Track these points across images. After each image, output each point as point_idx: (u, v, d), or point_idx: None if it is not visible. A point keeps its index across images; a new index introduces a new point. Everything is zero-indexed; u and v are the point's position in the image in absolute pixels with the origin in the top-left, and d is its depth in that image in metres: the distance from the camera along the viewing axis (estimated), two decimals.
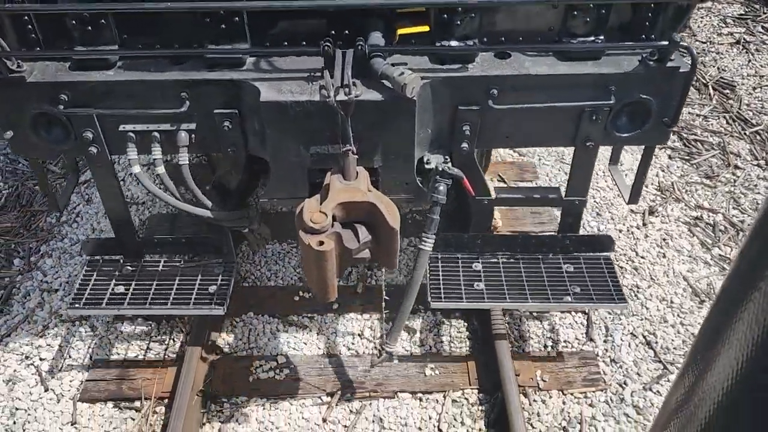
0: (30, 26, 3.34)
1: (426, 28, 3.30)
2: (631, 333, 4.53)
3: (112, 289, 3.94)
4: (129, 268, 4.06)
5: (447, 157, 3.58)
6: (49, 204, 4.00)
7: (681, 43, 3.19)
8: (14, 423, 4.02)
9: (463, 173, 3.65)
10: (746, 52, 8.08)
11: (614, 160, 4.41)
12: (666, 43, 3.25)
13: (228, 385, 4.20)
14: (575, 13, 3.35)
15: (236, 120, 3.45)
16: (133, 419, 4.05)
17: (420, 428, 4.01)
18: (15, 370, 4.34)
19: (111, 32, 3.36)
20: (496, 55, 3.49)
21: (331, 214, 3.07)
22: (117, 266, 4.08)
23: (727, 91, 7.34)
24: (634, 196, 4.01)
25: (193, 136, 3.49)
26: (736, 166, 6.26)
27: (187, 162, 3.51)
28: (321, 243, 2.96)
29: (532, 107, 3.41)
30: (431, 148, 3.63)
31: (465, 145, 3.54)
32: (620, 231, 5.43)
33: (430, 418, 4.04)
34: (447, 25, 3.34)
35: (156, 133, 3.45)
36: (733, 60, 7.93)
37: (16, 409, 4.10)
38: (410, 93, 3.13)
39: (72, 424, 4.02)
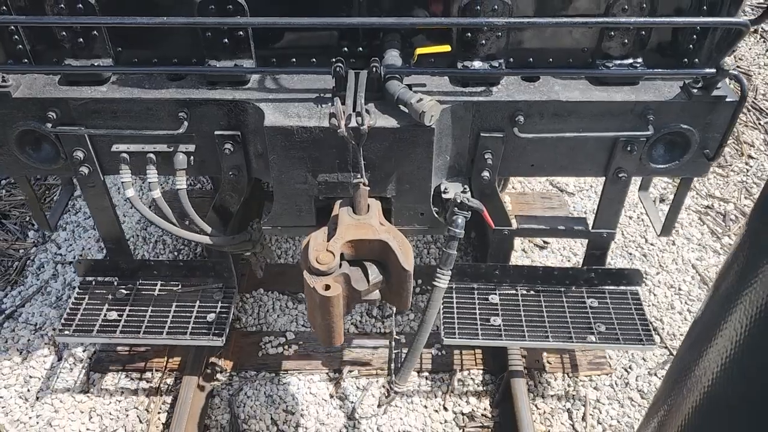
0: (17, 37, 3.07)
1: (447, 48, 3.00)
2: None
3: (105, 315, 3.70)
4: (123, 291, 3.81)
5: (466, 186, 3.30)
6: (39, 223, 3.75)
7: (730, 71, 2.88)
8: (28, 391, 4.16)
9: (483, 203, 3.37)
10: (764, 42, 7.82)
11: (644, 186, 4.11)
12: (713, 70, 2.94)
13: (237, 360, 4.30)
14: (612, 33, 3.04)
15: (238, 142, 3.17)
16: (144, 389, 4.17)
17: (426, 406, 4.07)
18: (29, 340, 4.48)
19: (104, 45, 3.09)
20: (524, 78, 3.19)
21: (339, 253, 2.80)
22: (111, 289, 3.83)
23: None
24: (667, 229, 3.71)
25: (191, 158, 3.22)
26: (750, 156, 6.10)
27: (185, 186, 3.25)
28: (327, 287, 2.69)
29: (561, 137, 3.12)
30: (449, 175, 3.35)
31: (486, 173, 3.25)
32: (630, 217, 5.37)
33: (435, 396, 4.12)
34: (470, 44, 3.04)
35: (151, 155, 3.18)
36: (750, 49, 7.69)
37: (30, 377, 4.22)
38: (429, 121, 2.84)
39: (84, 393, 4.14)
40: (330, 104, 2.99)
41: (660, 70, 3.09)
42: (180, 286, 3.84)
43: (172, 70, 3.11)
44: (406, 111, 2.89)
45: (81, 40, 3.05)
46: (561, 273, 3.84)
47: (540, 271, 3.82)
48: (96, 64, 3.10)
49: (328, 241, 2.90)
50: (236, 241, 3.60)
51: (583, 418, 4.00)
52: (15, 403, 4.10)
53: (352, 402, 4.07)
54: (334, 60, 3.06)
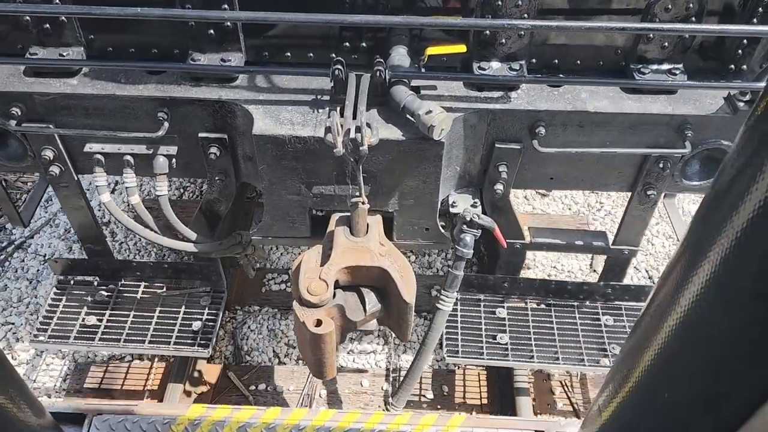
0: None
1: (462, 49, 2.63)
2: (635, 267, 4.44)
3: (83, 320, 3.45)
4: (103, 293, 3.55)
5: (476, 200, 2.98)
6: (11, 220, 3.46)
7: None
8: (36, 318, 4.03)
9: (494, 217, 3.06)
10: None
11: (671, 194, 3.77)
12: (763, 84, 2.57)
13: (241, 295, 4.36)
14: (650, 35, 2.67)
15: (225, 146, 2.85)
16: None
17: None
18: (38, 270, 4.54)
19: (74, 32, 2.73)
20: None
21: (332, 281, 2.52)
22: (90, 290, 3.56)
23: None
24: None
25: (173, 161, 2.90)
26: None
27: (167, 192, 2.93)
28: (319, 323, 2.42)
29: (587, 152, 2.78)
30: (458, 186, 3.02)
31: (500, 187, 2.93)
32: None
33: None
34: (488, 43, 2.68)
35: (129, 157, 2.86)
36: None
37: (39, 305, 4.24)
38: (438, 136, 2.51)
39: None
40: (327, 110, 2.66)
41: (705, 83, 2.72)
42: (165, 289, 3.57)
43: (149, 67, 2.76)
44: (413, 120, 2.55)
45: (47, 26, 2.69)
46: (575, 287, 3.55)
47: (552, 284, 3.53)
48: (65, 54, 2.75)
49: (322, 264, 2.61)
50: (224, 247, 3.31)
51: None
52: (25, 330, 4.18)
53: (352, 338, 4.06)
54: (333, 57, 2.71)
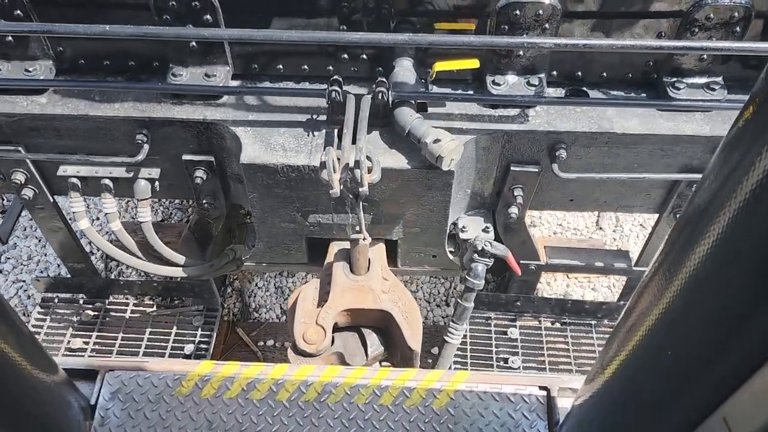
0: None
1: (475, 64, 2.34)
2: (641, 224, 4.26)
3: (68, 342, 3.24)
4: (90, 312, 3.34)
5: (488, 224, 2.72)
6: None
7: None
8: (43, 246, 4.12)
9: (507, 239, 2.81)
10: None
11: None
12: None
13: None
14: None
15: (213, 169, 2.58)
16: None
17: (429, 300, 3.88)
18: None
19: (41, 44, 2.44)
20: (568, 97, 2.54)
21: (331, 326, 2.29)
22: (76, 309, 3.35)
23: None
24: None
25: (156, 184, 2.64)
26: None
27: (149, 219, 2.68)
28: None
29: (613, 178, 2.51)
30: (468, 208, 2.76)
31: (515, 210, 2.67)
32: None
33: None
34: (503, 55, 2.38)
35: (107, 181, 2.60)
36: None
37: (49, 263, 4.09)
38: (447, 166, 2.24)
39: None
40: (324, 133, 2.39)
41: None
42: (155, 308, 3.36)
43: (123, 87, 2.47)
44: (420, 147, 2.28)
45: (10, 38, 2.41)
46: (593, 306, 3.31)
47: (569, 303, 3.30)
48: (31, 69, 2.47)
49: (320, 304, 2.38)
50: (216, 268, 3.07)
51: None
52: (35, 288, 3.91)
53: None
54: (330, 69, 2.44)
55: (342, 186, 2.11)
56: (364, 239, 2.32)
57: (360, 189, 2.07)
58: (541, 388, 2.03)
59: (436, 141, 2.18)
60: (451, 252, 2.77)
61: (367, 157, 2.14)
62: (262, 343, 3.79)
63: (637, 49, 2.19)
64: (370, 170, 2.16)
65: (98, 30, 2.11)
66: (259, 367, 2.08)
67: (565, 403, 1.98)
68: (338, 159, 2.11)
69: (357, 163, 2.07)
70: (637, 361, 1.31)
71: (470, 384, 2.02)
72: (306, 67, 2.52)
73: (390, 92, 2.27)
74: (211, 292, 3.34)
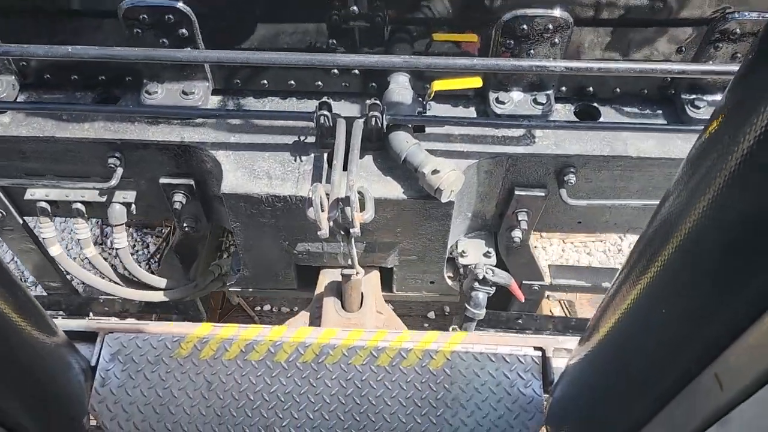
0: None
1: (478, 83, 2.13)
2: None
3: None
4: None
5: (490, 249, 2.55)
6: None
7: None
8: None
9: (510, 259, 2.64)
10: None
11: None
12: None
13: None
14: (712, 51, 2.16)
15: (192, 193, 2.39)
16: None
17: None
18: None
19: (1, 58, 2.22)
20: (578, 114, 2.34)
21: None
22: None
23: None
24: None
25: (133, 206, 2.45)
26: None
27: (126, 244, 2.50)
28: None
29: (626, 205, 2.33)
30: (468, 230, 2.58)
31: (518, 234, 2.48)
32: None
33: None
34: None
35: (79, 205, 2.41)
36: None
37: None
38: (447, 198, 2.05)
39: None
40: (312, 157, 2.19)
41: None
42: None
43: (92, 110, 2.25)
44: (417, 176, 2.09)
45: None
46: None
47: (573, 321, 3.14)
48: None
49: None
50: (200, 288, 2.90)
51: None
52: None
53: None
54: (319, 85, 2.23)
55: (332, 223, 1.92)
56: (357, 274, 2.15)
57: (351, 230, 1.88)
58: (536, 348, 2.05)
59: (435, 172, 1.99)
60: (449, 277, 2.60)
61: (359, 192, 1.95)
62: (258, 308, 3.75)
63: (658, 74, 1.98)
64: (362, 204, 1.98)
65: (60, 52, 1.89)
66: (257, 329, 2.09)
67: (559, 363, 2.01)
68: (327, 195, 1.92)
69: (347, 200, 1.88)
70: (630, 320, 1.32)
71: (466, 345, 2.04)
72: (293, 82, 2.31)
73: (384, 116, 2.06)
74: (196, 309, 3.16)
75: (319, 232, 1.87)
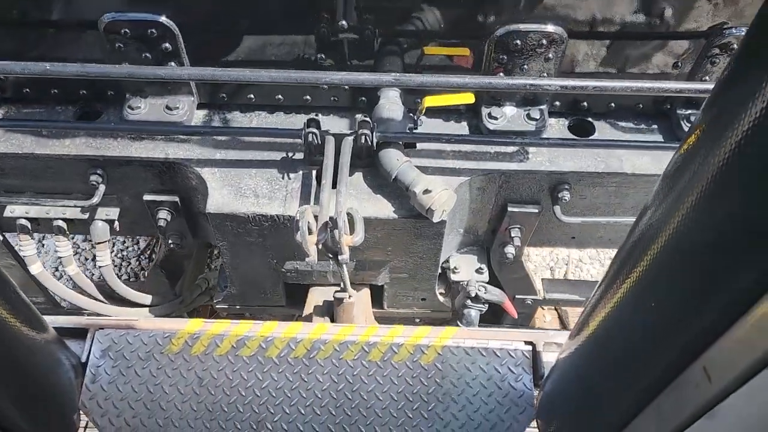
0: None
1: (470, 99, 2.07)
2: None
3: None
4: None
5: (482, 265, 2.50)
6: None
7: None
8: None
9: (502, 273, 2.60)
10: None
11: None
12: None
13: None
14: (707, 78, 2.12)
15: (177, 208, 2.32)
16: None
17: None
18: None
19: None
20: (572, 129, 2.29)
21: None
22: None
23: None
24: None
25: (116, 223, 2.39)
26: None
27: (109, 262, 2.43)
28: None
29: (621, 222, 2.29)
30: (461, 246, 2.53)
31: (511, 250, 2.44)
32: None
33: None
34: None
35: (60, 222, 2.34)
36: None
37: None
38: (439, 218, 2.00)
39: None
40: (300, 174, 2.14)
41: None
42: None
43: (72, 127, 2.18)
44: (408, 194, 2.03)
45: None
46: None
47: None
48: None
49: None
50: (187, 303, 2.84)
51: (565, 276, 3.66)
52: None
53: None
54: (307, 99, 2.18)
55: (321, 246, 1.87)
56: (349, 297, 2.10)
57: (340, 257, 1.83)
58: (527, 342, 2.06)
59: (426, 192, 1.94)
60: (441, 294, 2.56)
61: (348, 213, 1.89)
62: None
63: (655, 92, 1.93)
64: (351, 226, 1.92)
65: (38, 69, 1.82)
66: (248, 325, 2.07)
67: (549, 357, 2.01)
68: (315, 217, 1.86)
69: (335, 223, 1.82)
70: (619, 315, 1.34)
71: (457, 339, 2.04)
72: (281, 96, 2.25)
73: (374, 133, 2.01)
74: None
75: (307, 259, 1.81)
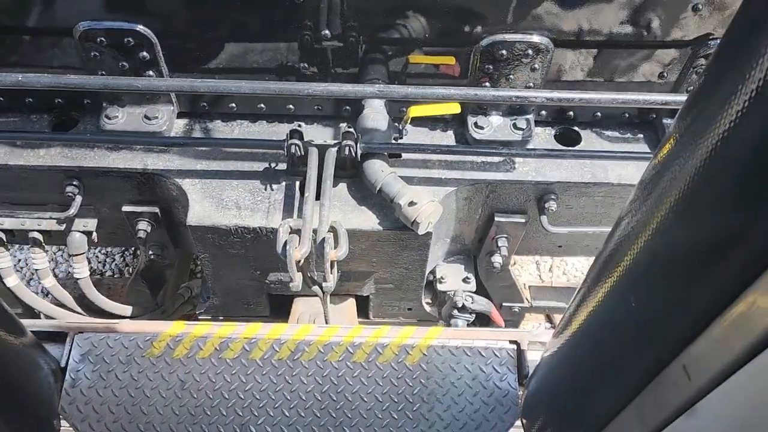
0: None
1: (456, 109, 2.04)
2: None
3: None
4: None
5: (469, 274, 2.47)
6: None
7: None
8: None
9: (489, 281, 2.58)
10: None
11: None
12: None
13: None
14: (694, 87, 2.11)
15: (158, 219, 2.27)
16: None
17: None
18: None
19: None
20: (558, 138, 2.27)
21: None
22: None
23: None
24: None
25: (94, 234, 2.33)
26: None
27: (87, 274, 2.37)
28: None
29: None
30: (447, 255, 2.51)
31: (498, 260, 2.41)
32: None
33: None
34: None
35: (36, 234, 2.27)
36: None
37: None
38: (425, 230, 1.97)
39: None
40: (283, 185, 2.10)
41: None
42: None
43: (46, 137, 2.12)
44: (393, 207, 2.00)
45: None
46: None
47: None
48: None
49: None
50: (169, 313, 2.79)
51: (550, 269, 3.64)
52: None
53: None
54: (290, 108, 2.14)
55: (301, 278, 1.84)
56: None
57: (324, 284, 1.79)
58: (512, 342, 2.04)
59: (412, 204, 1.91)
60: (428, 303, 2.53)
61: (332, 227, 1.86)
62: None
63: (641, 104, 1.91)
64: (335, 236, 1.89)
65: (10, 80, 1.76)
66: (231, 327, 2.02)
67: (534, 356, 2.01)
68: (298, 231, 1.82)
69: (319, 247, 1.79)
70: (601, 314, 1.35)
71: (442, 339, 2.03)
72: (263, 105, 2.20)
73: (359, 144, 1.97)
74: None
75: (291, 284, 1.78)
